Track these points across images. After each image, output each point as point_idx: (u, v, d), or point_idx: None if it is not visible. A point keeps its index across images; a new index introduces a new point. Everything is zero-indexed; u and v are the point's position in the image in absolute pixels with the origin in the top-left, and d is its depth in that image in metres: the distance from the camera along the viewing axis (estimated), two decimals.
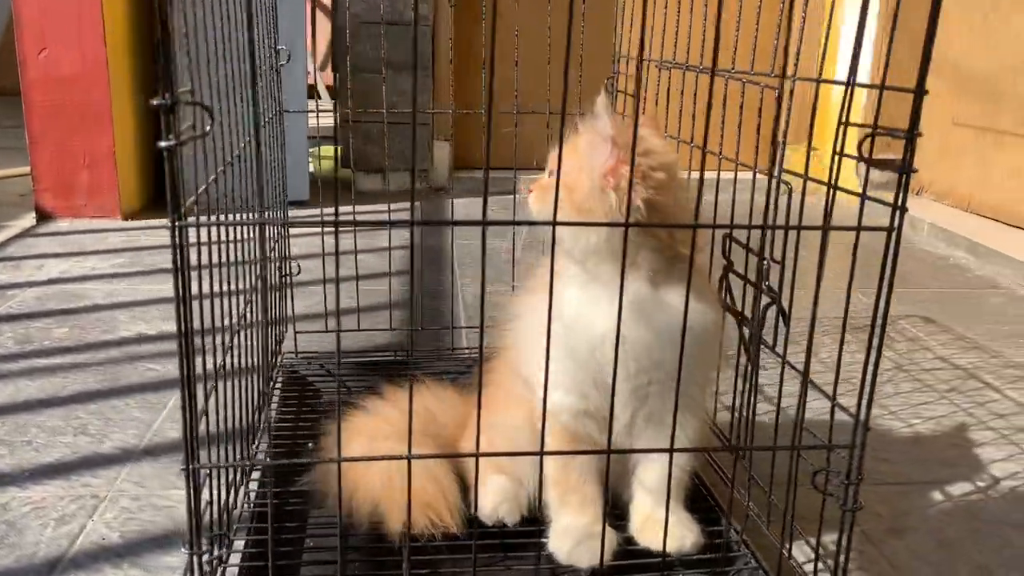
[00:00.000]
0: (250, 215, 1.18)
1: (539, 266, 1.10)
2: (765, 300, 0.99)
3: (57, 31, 2.66)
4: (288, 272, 1.54)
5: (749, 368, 1.08)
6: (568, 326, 0.97)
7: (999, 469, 1.39)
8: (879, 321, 0.73)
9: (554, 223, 0.74)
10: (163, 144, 0.60)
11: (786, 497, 0.86)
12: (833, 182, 0.81)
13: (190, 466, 0.70)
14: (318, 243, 1.45)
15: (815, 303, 0.80)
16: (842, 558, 0.80)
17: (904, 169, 0.69)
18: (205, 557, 0.76)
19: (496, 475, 1.09)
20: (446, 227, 2.81)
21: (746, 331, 1.08)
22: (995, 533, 1.22)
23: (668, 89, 1.33)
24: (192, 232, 0.71)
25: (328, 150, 3.67)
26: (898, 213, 0.70)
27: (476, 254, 2.16)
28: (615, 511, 1.07)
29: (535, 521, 1.07)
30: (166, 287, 2.15)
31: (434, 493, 1.06)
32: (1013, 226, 2.83)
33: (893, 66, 0.75)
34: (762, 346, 0.99)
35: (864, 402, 0.77)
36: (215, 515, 0.88)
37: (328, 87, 5.47)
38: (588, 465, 1.02)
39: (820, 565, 0.90)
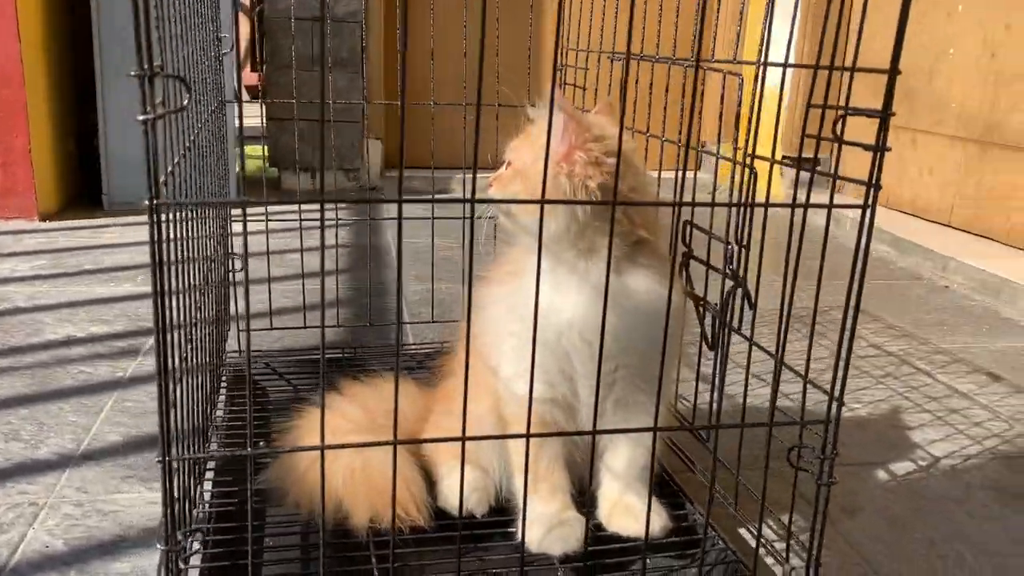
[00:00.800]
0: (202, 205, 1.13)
1: (501, 257, 1.10)
2: (730, 284, 1.00)
3: None
4: (232, 269, 1.49)
5: (712, 352, 1.09)
6: (531, 314, 0.97)
7: (937, 448, 1.44)
8: (853, 300, 0.75)
9: (543, 202, 0.73)
10: (141, 117, 0.57)
11: (764, 476, 0.87)
12: (796, 162, 0.83)
13: (166, 458, 0.66)
14: (258, 241, 1.42)
15: (792, 283, 0.81)
16: (817, 531, 0.82)
17: (878, 148, 0.70)
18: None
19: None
20: (384, 223, 2.77)
21: (708, 315, 1.10)
22: (938, 509, 1.26)
23: (623, 80, 1.34)
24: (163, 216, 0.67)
25: (255, 149, 3.58)
26: (872, 190, 0.72)
27: (416, 251, 2.13)
28: (581, 498, 1.06)
29: (503, 511, 1.06)
30: (91, 289, 2.06)
31: (399, 487, 1.04)
32: (929, 220, 2.95)
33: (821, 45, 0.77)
34: (731, 330, 1.00)
35: (839, 378, 0.79)
36: (181, 512, 0.84)
37: (248, 87, 5.34)
38: (556, 453, 1.02)
39: (792, 542, 0.91)
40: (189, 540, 0.80)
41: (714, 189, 1.28)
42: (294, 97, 1.54)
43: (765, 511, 0.98)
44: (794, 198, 0.81)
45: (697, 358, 1.13)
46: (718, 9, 3.40)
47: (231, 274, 1.49)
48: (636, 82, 1.23)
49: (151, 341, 1.74)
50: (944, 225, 2.89)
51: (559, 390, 0.99)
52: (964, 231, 2.81)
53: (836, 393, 0.79)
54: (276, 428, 1.29)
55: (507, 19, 1.48)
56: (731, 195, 0.98)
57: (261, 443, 1.25)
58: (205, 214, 1.12)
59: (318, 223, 0.63)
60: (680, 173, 1.09)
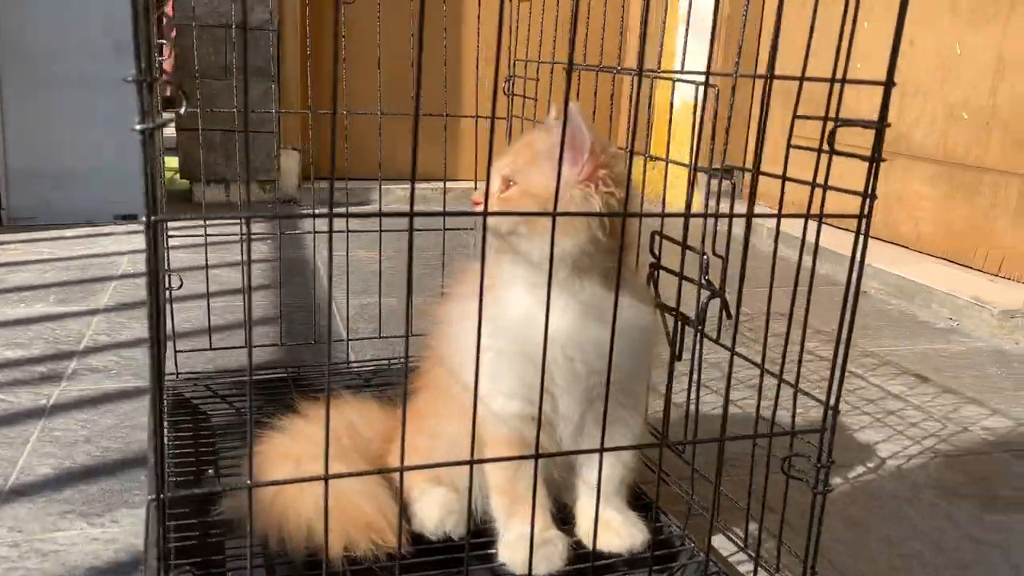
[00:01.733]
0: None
1: (464, 272, 1.07)
2: (706, 294, 1.00)
3: None
4: (169, 286, 1.41)
5: (678, 363, 1.09)
6: (514, 330, 0.94)
7: (882, 450, 1.49)
8: (849, 306, 0.75)
9: (555, 214, 0.71)
10: (139, 127, 0.52)
11: (764, 487, 0.87)
12: (783, 174, 0.84)
13: (160, 496, 0.61)
14: (187, 256, 1.35)
15: (769, 291, 0.81)
16: (813, 539, 0.82)
17: (874, 158, 0.71)
18: None
19: (435, 487, 1.05)
20: (304, 237, 2.70)
21: (680, 326, 1.10)
22: (891, 509, 1.29)
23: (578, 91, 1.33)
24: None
25: (169, 160, 3.44)
26: (867, 200, 0.73)
27: (339, 265, 2.07)
28: (559, 515, 1.05)
29: (480, 533, 1.03)
30: (1, 310, 1.92)
31: (372, 512, 1.00)
32: (843, 229, 3.07)
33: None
34: (706, 340, 1.01)
35: (835, 386, 0.79)
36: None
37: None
38: (539, 472, 0.99)
39: (764, 551, 0.92)
40: None
41: (664, 199, 1.29)
42: (200, 107, 1.48)
43: (744, 521, 0.98)
44: (779, 207, 0.82)
45: (668, 370, 1.13)
46: (644, 23, 3.46)
47: (167, 291, 1.41)
48: (578, 94, 1.24)
49: (73, 364, 1.63)
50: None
51: (536, 408, 0.97)
52: (875, 238, 2.93)
53: (832, 402, 0.80)
54: (225, 455, 1.23)
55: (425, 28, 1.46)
56: (706, 205, 0.98)
57: (209, 471, 1.19)
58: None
59: (237, 238, 0.59)
60: (643, 184, 1.09)
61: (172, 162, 3.38)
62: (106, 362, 1.65)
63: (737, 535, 1.04)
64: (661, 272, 1.11)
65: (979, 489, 1.36)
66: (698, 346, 1.03)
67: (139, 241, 2.40)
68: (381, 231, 1.40)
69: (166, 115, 0.93)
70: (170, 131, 3.36)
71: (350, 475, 0.90)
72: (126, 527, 1.12)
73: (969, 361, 1.98)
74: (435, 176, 1.66)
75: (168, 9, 3.31)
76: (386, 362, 1.58)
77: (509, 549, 0.98)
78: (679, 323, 1.07)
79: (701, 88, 1.02)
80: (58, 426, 1.39)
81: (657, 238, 1.10)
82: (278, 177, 3.33)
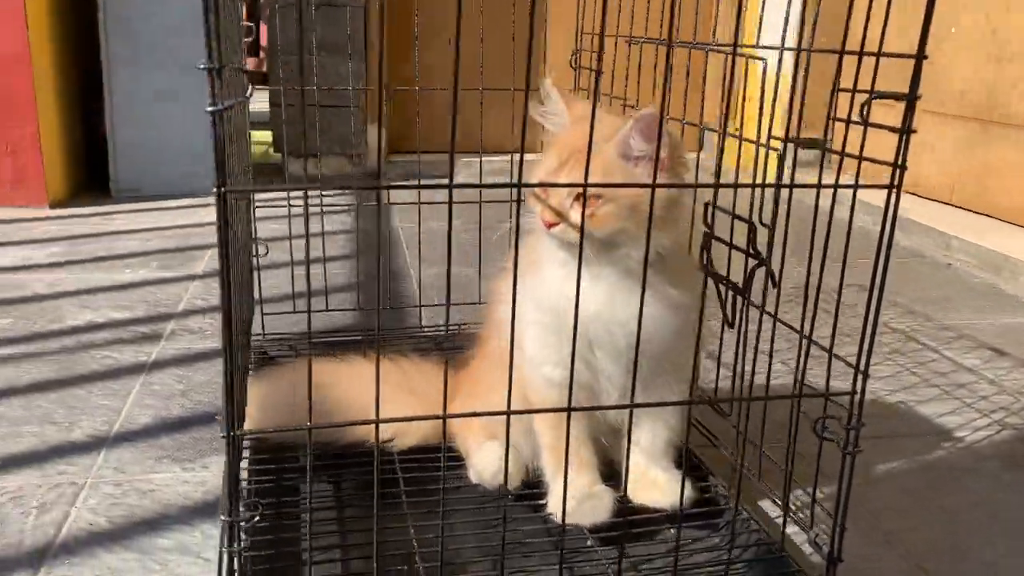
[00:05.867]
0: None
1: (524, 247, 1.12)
2: (753, 263, 1.03)
3: None
4: (255, 254, 1.52)
5: (737, 330, 1.13)
6: (556, 305, 0.99)
7: (947, 421, 1.48)
8: (879, 276, 0.78)
9: (653, 185, 0.75)
10: (210, 108, 0.60)
11: (790, 447, 0.91)
12: (830, 146, 0.86)
13: (231, 433, 0.69)
14: (279, 226, 1.44)
15: (821, 263, 0.84)
16: (843, 498, 0.85)
17: (904, 130, 0.73)
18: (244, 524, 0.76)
19: (492, 441, 1.11)
20: (393, 208, 2.79)
21: (731, 294, 1.13)
22: (952, 479, 1.30)
23: (640, 64, 1.36)
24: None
25: (262, 135, 3.60)
26: (898, 171, 0.75)
27: (427, 236, 2.15)
28: (609, 472, 1.10)
29: (534, 486, 1.10)
30: (109, 275, 2.08)
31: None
32: (930, 199, 2.99)
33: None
34: (753, 307, 1.04)
35: (865, 350, 0.82)
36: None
37: (248, 72, 5.35)
38: (582, 432, 1.05)
39: (818, 509, 0.95)
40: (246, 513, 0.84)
41: (717, 171, 1.32)
42: (293, 84, 1.57)
43: (789, 483, 1.02)
44: (836, 178, 0.84)
45: (720, 337, 1.16)
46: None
47: (255, 259, 1.52)
48: (654, 67, 1.26)
49: (172, 326, 1.77)
50: (945, 203, 2.92)
51: (582, 376, 1.02)
52: (965, 209, 2.84)
53: (862, 366, 0.83)
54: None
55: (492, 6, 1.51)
56: (754, 176, 1.01)
57: None
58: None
59: (339, 208, 0.66)
60: (718, 155, 1.11)
61: (266, 136, 3.53)
62: (201, 324, 1.78)
63: (779, 497, 1.07)
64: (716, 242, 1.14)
65: None
66: (742, 313, 1.06)
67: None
68: (451, 203, 1.46)
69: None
70: (264, 106, 3.50)
71: (395, 420, 0.97)
72: (214, 472, 1.22)
73: None
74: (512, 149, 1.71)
75: None
76: (457, 328, 1.65)
77: (557, 500, 1.03)
78: (729, 292, 1.10)
79: (778, 60, 1.04)
80: (156, 381, 1.51)
81: (714, 210, 1.13)
82: (364, 151, 3.44)
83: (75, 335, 1.71)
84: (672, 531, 1.06)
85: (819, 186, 0.85)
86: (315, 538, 0.99)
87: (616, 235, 0.92)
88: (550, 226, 0.94)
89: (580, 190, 0.92)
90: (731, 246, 1.08)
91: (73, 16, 2.96)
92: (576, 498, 1.02)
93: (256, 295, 1.56)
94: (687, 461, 1.06)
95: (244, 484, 1.10)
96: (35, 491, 1.16)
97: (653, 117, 0.87)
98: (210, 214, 2.73)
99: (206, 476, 1.22)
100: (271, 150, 3.51)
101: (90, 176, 3.04)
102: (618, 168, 0.91)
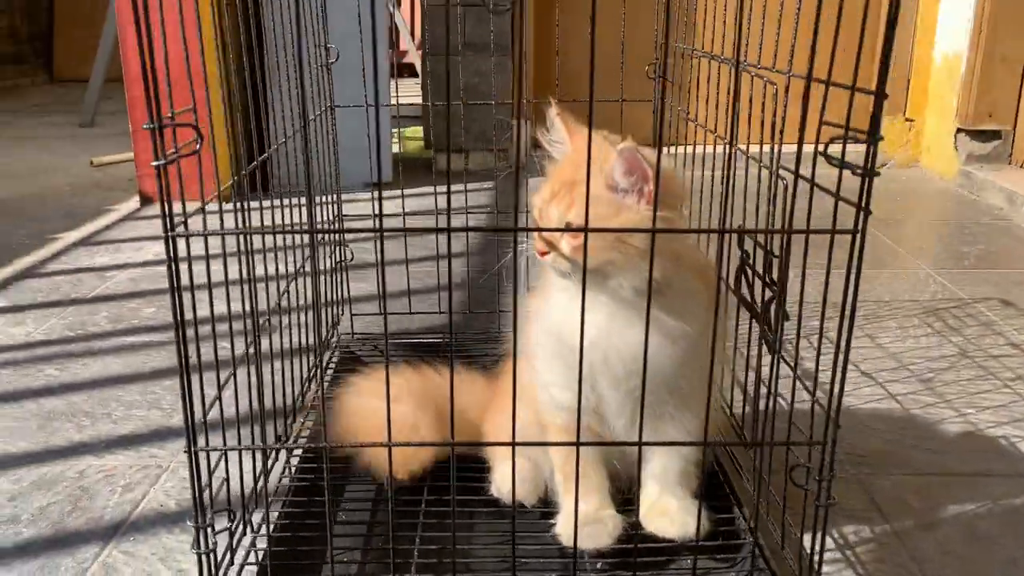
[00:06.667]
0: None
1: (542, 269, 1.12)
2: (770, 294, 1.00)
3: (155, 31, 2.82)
4: (344, 258, 1.62)
5: (765, 361, 1.09)
6: (555, 331, 1.01)
7: None
8: (847, 316, 0.74)
9: (653, 231, 0.77)
10: (154, 163, 0.67)
11: (765, 490, 0.87)
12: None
13: (192, 449, 0.77)
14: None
15: (823, 299, 0.80)
16: (816, 556, 0.81)
17: (867, 172, 0.69)
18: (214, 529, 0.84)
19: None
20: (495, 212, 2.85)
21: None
22: None
23: (718, 82, 1.32)
24: (181, 242, 0.78)
25: (415, 131, 3.76)
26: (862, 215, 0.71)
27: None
28: (627, 497, 1.10)
29: (550, 504, 1.12)
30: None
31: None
32: None
33: None
34: (766, 339, 1.00)
35: (835, 397, 0.78)
36: (233, 491, 0.96)
37: (406, 64, 5.61)
38: (592, 455, 1.05)
39: (816, 559, 0.91)
40: (233, 519, 0.92)
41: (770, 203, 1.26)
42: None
43: (790, 524, 0.98)
44: (858, 210, 0.80)
45: (751, 364, 1.12)
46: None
47: (342, 261, 1.62)
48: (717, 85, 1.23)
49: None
50: None
51: (587, 400, 1.02)
52: None
53: (832, 413, 0.79)
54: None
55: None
56: (719, 223, 0.97)
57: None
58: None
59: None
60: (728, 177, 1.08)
61: (416, 132, 3.68)
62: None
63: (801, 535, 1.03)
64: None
65: None
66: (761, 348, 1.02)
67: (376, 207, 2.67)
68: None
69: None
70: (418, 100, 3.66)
71: (406, 444, 1.02)
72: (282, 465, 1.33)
73: None
74: None
75: None
76: None
77: (561, 523, 1.05)
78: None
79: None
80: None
81: (740, 234, 1.10)
82: (510, 147, 3.52)
83: (204, 325, 1.89)
84: (688, 561, 1.05)
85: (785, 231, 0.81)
86: (336, 539, 1.06)
87: (604, 266, 0.92)
88: (542, 254, 0.95)
89: (569, 220, 0.93)
90: (755, 274, 1.04)
91: (240, 32, 3.22)
92: (581, 522, 1.04)
93: (345, 294, 1.66)
94: (703, 491, 1.04)
95: (287, 483, 1.20)
96: (126, 471, 1.32)
97: (631, 151, 0.86)
98: (355, 207, 2.90)
99: (277, 467, 1.32)
100: (423, 146, 3.66)
101: (252, 174, 3.31)
102: (605, 200, 0.91)
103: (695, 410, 1.02)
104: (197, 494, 0.84)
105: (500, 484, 1.14)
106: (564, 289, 1.00)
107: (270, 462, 1.14)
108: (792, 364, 0.87)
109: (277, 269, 1.27)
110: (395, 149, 3.41)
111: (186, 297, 0.81)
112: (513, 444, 0.91)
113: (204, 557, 0.85)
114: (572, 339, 0.98)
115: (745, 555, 1.04)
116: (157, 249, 2.46)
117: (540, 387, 1.06)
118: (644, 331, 0.95)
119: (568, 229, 0.93)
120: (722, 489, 1.17)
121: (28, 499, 1.24)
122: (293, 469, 1.23)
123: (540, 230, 0.97)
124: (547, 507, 1.12)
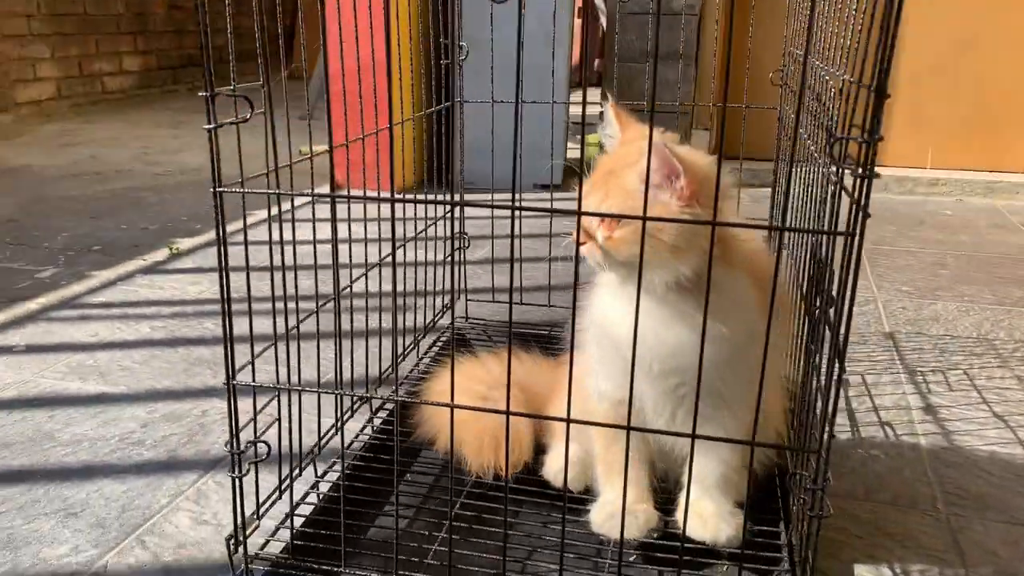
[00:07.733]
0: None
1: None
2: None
3: (348, 33, 3.08)
4: (459, 247, 1.71)
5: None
6: (600, 326, 1.03)
7: None
8: (842, 326, 0.72)
9: (713, 223, 0.80)
10: (205, 127, 0.77)
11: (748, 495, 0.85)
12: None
13: (230, 383, 0.87)
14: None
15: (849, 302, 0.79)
16: (808, 566, 0.79)
17: (865, 174, 0.67)
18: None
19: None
20: None
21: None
22: None
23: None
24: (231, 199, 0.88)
25: (595, 137, 3.82)
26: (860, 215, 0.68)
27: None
28: (671, 496, 1.10)
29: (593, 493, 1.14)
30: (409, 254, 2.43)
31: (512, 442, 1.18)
32: None
33: None
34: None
35: (830, 404, 0.75)
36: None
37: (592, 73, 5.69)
38: (633, 450, 1.06)
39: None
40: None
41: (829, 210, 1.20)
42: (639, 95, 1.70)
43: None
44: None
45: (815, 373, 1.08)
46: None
47: (459, 250, 1.71)
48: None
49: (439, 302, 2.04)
50: None
51: (626, 392, 1.03)
52: None
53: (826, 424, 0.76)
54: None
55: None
56: (828, 216, 0.94)
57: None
58: None
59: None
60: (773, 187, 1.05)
61: (594, 138, 3.73)
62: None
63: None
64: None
65: None
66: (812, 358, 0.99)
67: (545, 205, 2.77)
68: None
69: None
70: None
71: (466, 408, 1.08)
72: (360, 423, 1.43)
73: None
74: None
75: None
76: None
77: (595, 510, 1.07)
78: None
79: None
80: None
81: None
82: None
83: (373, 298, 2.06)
84: (724, 568, 1.04)
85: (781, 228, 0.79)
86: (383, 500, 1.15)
87: (633, 259, 0.93)
88: (580, 244, 0.97)
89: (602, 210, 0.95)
90: (813, 284, 1.01)
91: (428, 28, 3.42)
92: (609, 512, 1.05)
93: (461, 284, 1.75)
94: (751, 501, 1.02)
95: (366, 438, 1.29)
96: (243, 416, 1.47)
97: (659, 147, 0.87)
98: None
99: (355, 426, 1.42)
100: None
101: (435, 168, 3.51)
102: (638, 193, 0.92)
103: (739, 414, 1.00)
104: (234, 424, 0.94)
105: (551, 464, 1.18)
106: (609, 283, 1.02)
107: (345, 415, 1.24)
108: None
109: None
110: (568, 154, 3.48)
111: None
112: (568, 421, 0.92)
113: (236, 481, 0.96)
114: (613, 331, 1.01)
115: (781, 571, 1.01)
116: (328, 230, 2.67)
117: (587, 375, 1.08)
118: (682, 329, 0.96)
119: (623, 216, 0.94)
120: (778, 502, 1.13)
121: (155, 427, 1.42)
122: (374, 427, 1.33)
123: (594, 214, 0.97)
124: (590, 495, 1.14)
